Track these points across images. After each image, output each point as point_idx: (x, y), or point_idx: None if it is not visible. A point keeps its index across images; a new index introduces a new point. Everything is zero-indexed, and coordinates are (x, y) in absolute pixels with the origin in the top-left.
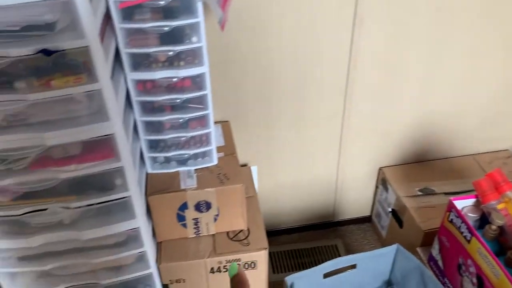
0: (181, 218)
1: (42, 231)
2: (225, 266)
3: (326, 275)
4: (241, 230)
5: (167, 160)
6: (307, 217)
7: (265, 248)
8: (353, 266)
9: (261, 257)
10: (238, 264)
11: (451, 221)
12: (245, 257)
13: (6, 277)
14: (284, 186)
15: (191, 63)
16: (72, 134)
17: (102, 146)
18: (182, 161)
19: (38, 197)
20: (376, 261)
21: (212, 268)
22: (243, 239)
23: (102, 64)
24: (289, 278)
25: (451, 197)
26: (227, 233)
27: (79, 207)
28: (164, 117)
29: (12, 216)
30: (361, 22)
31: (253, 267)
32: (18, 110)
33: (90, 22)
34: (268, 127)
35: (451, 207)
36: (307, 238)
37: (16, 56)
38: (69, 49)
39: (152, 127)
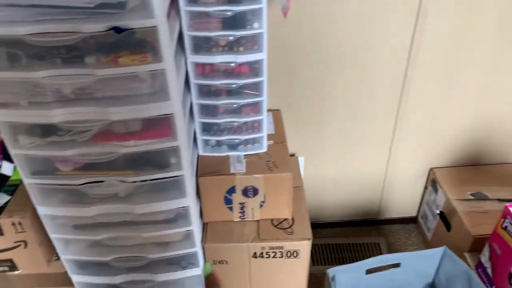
0: (228, 201)
1: (98, 202)
2: (268, 252)
3: (368, 271)
4: (286, 219)
5: (219, 143)
6: (351, 213)
7: (309, 239)
8: (397, 265)
9: (304, 247)
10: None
11: (505, 228)
12: (288, 245)
13: (61, 242)
14: (330, 179)
15: (250, 49)
16: (135, 111)
17: (161, 125)
18: (233, 146)
19: (97, 169)
20: (421, 262)
21: (255, 253)
22: (287, 228)
23: (167, 45)
24: (332, 271)
25: (507, 204)
26: (272, 220)
27: (135, 181)
28: (219, 101)
29: (71, 185)
30: (425, 16)
31: (295, 256)
32: (86, 84)
33: (159, 3)
34: (319, 119)
35: (506, 214)
36: (349, 233)
37: (89, 32)
38: (138, 28)
39: (207, 110)
